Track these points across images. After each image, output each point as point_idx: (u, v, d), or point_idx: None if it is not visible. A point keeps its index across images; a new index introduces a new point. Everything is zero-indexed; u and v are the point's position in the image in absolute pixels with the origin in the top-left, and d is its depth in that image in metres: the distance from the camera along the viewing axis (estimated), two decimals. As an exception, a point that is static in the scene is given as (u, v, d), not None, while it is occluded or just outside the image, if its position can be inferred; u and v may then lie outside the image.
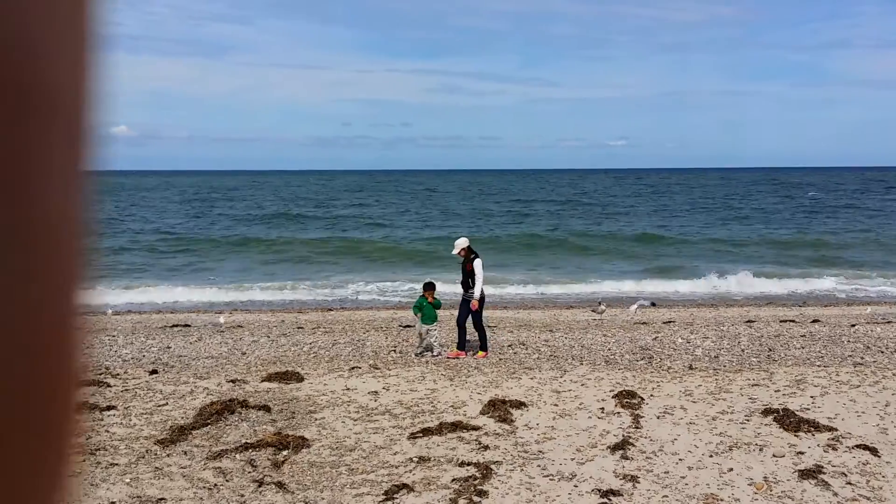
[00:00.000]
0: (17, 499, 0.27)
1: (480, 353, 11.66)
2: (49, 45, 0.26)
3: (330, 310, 20.14)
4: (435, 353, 12.01)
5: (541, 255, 34.50)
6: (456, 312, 12.26)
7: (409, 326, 14.55)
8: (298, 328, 15.20)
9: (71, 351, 0.29)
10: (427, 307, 12.01)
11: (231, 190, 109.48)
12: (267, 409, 8.57)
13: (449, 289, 17.37)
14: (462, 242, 11.86)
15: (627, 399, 8.90)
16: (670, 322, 15.73)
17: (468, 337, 12.11)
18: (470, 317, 11.76)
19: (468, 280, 11.66)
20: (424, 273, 25.46)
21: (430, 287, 12.16)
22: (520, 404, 8.66)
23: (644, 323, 15.55)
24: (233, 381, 10.03)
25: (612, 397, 9.02)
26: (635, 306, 16.17)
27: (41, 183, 0.27)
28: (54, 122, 0.27)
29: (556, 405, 8.85)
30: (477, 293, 11.51)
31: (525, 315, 17.67)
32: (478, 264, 11.66)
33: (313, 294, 24.82)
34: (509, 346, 12.91)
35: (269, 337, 13.91)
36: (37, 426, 0.27)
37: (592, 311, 16.59)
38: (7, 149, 0.25)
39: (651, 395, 9.15)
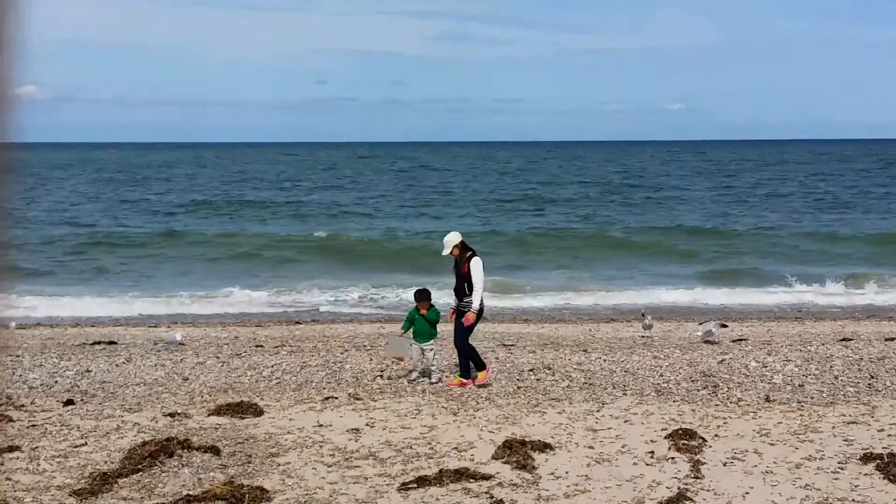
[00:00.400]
0: None
1: (481, 376, 11.53)
2: None
3: (297, 323, 19.92)
4: (433, 380, 11.89)
5: (570, 254, 34.24)
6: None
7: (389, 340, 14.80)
8: (257, 347, 15.07)
9: None
10: (419, 321, 11.88)
11: (166, 168, 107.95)
12: (215, 451, 8.47)
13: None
14: (453, 238, 11.68)
15: (685, 440, 8.77)
16: (741, 340, 15.62)
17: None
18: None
19: (463, 286, 11.52)
20: (417, 277, 25.11)
21: (423, 296, 12.03)
22: (544, 446, 8.52)
23: (708, 341, 15.46)
24: (171, 415, 9.95)
25: (665, 438, 8.90)
26: (705, 328, 15.83)
27: None
28: None
29: (591, 448, 8.73)
30: (475, 303, 11.37)
31: (551, 330, 17.52)
32: (476, 265, 11.48)
33: (276, 303, 24.63)
34: (531, 370, 12.77)
35: (218, 358, 13.83)
36: None
37: (641, 324, 16.51)
38: None
39: (715, 436, 9.04)
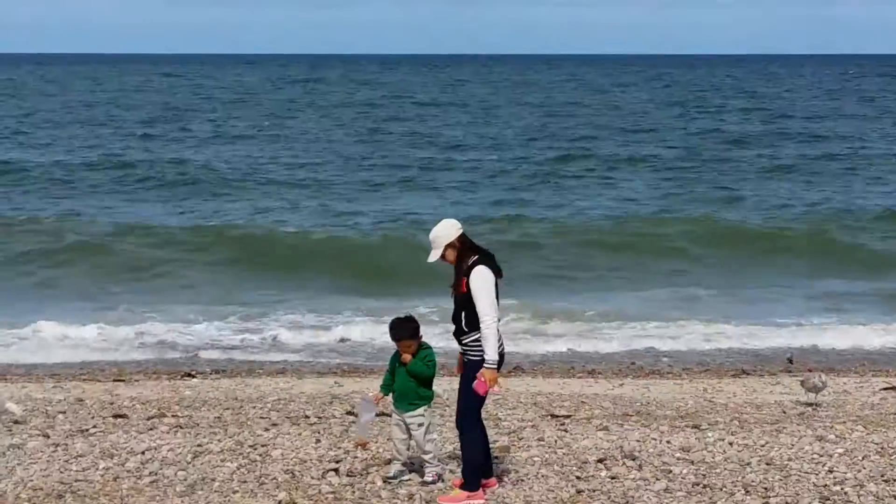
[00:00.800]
0: None
1: (455, 493, 7.80)
2: None
3: (190, 375, 14.39)
4: (428, 479, 8.12)
5: (666, 255, 24.02)
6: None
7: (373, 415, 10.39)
8: (116, 417, 10.99)
9: None
10: (400, 375, 8.19)
11: None
12: None
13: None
14: (444, 232, 7.69)
15: None
16: None
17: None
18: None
19: (461, 316, 7.69)
20: (392, 297, 18.07)
21: (403, 332, 8.15)
22: None
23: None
24: None
25: None
26: (809, 383, 11.55)
27: None
28: None
29: None
30: (489, 350, 7.47)
31: (636, 391, 13.05)
32: (478, 279, 7.48)
33: (147, 341, 16.62)
34: (600, 461, 9.01)
35: (47, 437, 9.97)
36: None
37: (804, 387, 11.97)
38: None
39: None
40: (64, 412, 11.02)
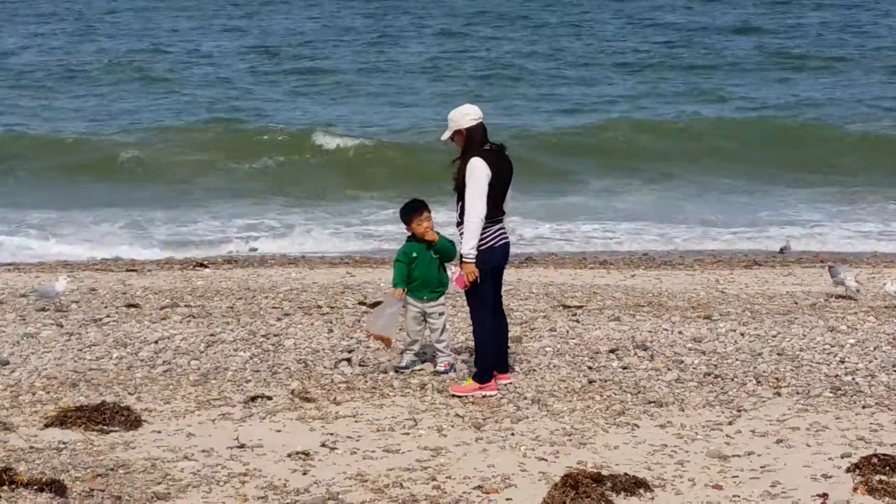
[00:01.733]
0: None
1: (468, 383, 7.36)
2: None
3: (202, 265, 13.48)
4: (441, 368, 7.66)
5: (672, 150, 22.21)
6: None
7: (375, 304, 10.08)
8: (129, 307, 10.50)
9: None
10: (422, 257, 7.58)
11: None
12: (59, 489, 5.82)
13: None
14: (456, 116, 7.07)
15: (883, 475, 6.10)
16: None
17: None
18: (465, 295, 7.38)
19: (459, 207, 7.22)
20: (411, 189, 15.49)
21: (415, 210, 7.59)
22: (635, 485, 5.89)
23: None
24: None
25: (849, 471, 6.16)
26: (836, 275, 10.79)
27: None
28: None
29: (718, 488, 5.98)
30: (466, 244, 6.93)
31: (647, 282, 12.32)
32: (472, 170, 6.87)
33: (162, 232, 15.87)
34: (612, 351, 8.68)
35: (61, 326, 9.51)
36: None
37: (835, 279, 10.99)
38: None
39: None
40: (77, 302, 10.65)
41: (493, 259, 7.00)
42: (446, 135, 7.08)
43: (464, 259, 6.90)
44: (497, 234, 6.95)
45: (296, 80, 31.36)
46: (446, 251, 7.51)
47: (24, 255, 14.49)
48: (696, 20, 45.52)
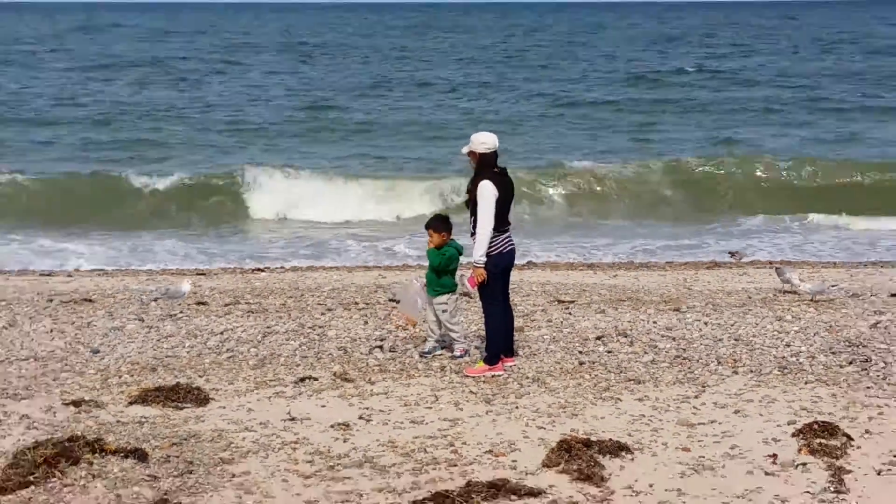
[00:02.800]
0: None
1: (479, 365, 7.50)
2: None
3: (260, 269, 13.82)
4: (458, 353, 7.79)
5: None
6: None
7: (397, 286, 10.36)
8: (198, 304, 10.54)
9: None
10: (428, 267, 7.88)
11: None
12: (141, 456, 6.03)
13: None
14: (475, 139, 7.32)
15: (822, 439, 6.36)
16: None
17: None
18: (478, 294, 7.53)
19: (471, 220, 7.43)
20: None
21: (430, 221, 7.85)
22: (618, 448, 6.11)
23: (855, 295, 11.01)
24: (76, 404, 6.93)
25: (793, 435, 6.41)
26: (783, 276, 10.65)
27: None
28: None
29: (686, 450, 6.17)
30: (477, 251, 7.17)
31: (629, 281, 12.51)
32: (483, 194, 7.13)
33: (221, 243, 16.02)
34: (598, 338, 8.70)
35: (142, 321, 9.55)
36: None
37: (781, 278, 11.03)
38: None
39: (866, 433, 6.43)
40: (156, 300, 10.62)
41: (502, 262, 7.18)
42: (465, 149, 7.26)
43: (474, 263, 7.08)
44: (504, 241, 7.11)
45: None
46: (429, 259, 7.68)
47: (109, 264, 14.36)
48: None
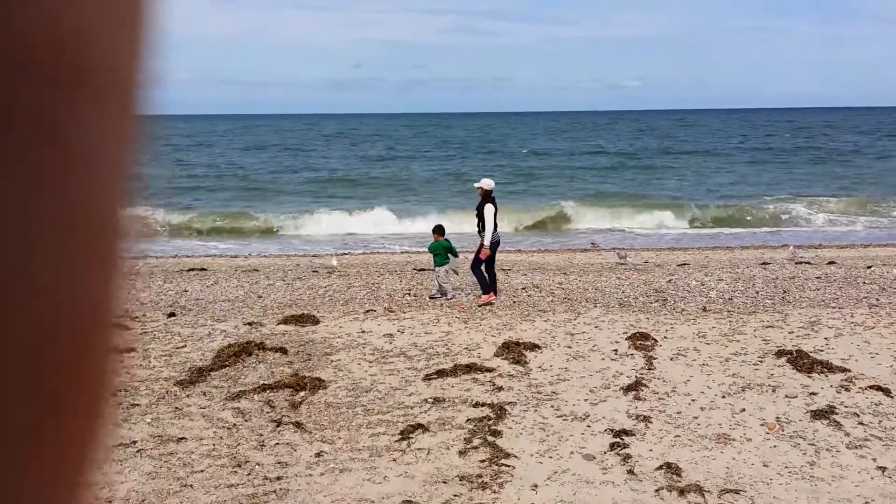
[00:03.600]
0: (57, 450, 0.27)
1: (482, 297, 11.25)
2: (103, 24, 0.26)
3: (344, 254, 19.43)
4: (449, 297, 11.78)
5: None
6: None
7: (423, 270, 14.28)
8: (314, 272, 14.94)
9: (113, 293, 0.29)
10: (434, 247, 11.73)
11: (216, 135, 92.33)
12: (284, 351, 8.48)
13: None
14: (484, 183, 11.37)
15: (641, 341, 8.80)
16: (685, 264, 15.45)
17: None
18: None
19: (479, 224, 11.31)
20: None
21: (436, 230, 11.86)
22: (534, 346, 8.56)
23: (658, 266, 15.40)
24: (250, 324, 9.88)
25: (626, 339, 8.91)
26: (623, 255, 15.74)
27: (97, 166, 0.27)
28: (111, 101, 0.27)
29: (569, 347, 8.76)
30: (486, 240, 11.10)
31: (539, 259, 17.30)
32: (488, 211, 11.15)
33: (329, 240, 23.88)
34: (523, 288, 12.71)
35: (284, 280, 13.71)
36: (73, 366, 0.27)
37: (619, 257, 15.98)
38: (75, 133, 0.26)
39: (665, 337, 9.01)
40: (292, 269, 14.76)
41: (496, 246, 11.18)
42: (476, 185, 11.36)
43: (484, 248, 11.01)
44: (498, 235, 11.19)
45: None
46: (430, 250, 11.59)
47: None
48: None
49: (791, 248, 16.13)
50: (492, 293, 11.28)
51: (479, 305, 11.04)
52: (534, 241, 23.33)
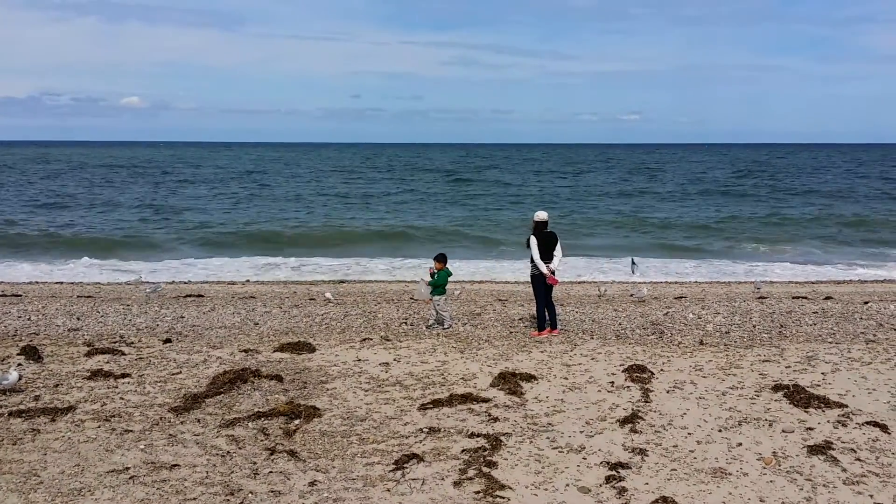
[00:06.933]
0: None
1: (554, 331, 10.81)
2: None
3: (342, 282, 19.09)
4: (446, 326, 11.56)
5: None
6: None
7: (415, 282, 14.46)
8: (311, 299, 14.58)
9: None
10: (434, 279, 11.51)
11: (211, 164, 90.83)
12: (279, 378, 8.36)
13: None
14: (538, 215, 10.96)
15: (637, 373, 8.65)
16: (681, 298, 15.21)
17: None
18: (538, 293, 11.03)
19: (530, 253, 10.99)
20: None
21: (438, 258, 11.69)
22: (530, 377, 8.43)
23: (656, 298, 15.18)
24: (245, 351, 9.77)
25: (622, 371, 8.78)
26: (638, 291, 15.39)
27: None
28: None
29: (566, 378, 8.63)
30: (543, 269, 10.67)
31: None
32: (531, 242, 10.81)
33: (326, 269, 23.68)
34: (520, 319, 12.43)
35: (281, 308, 13.38)
36: None
37: (599, 290, 16.00)
38: None
39: (661, 370, 8.88)
40: (288, 297, 14.35)
41: (534, 279, 10.70)
42: (534, 216, 10.80)
43: (547, 274, 10.49)
44: (546, 266, 10.61)
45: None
46: (442, 280, 11.28)
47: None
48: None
49: (756, 282, 15.97)
50: (548, 328, 10.85)
51: (533, 338, 10.73)
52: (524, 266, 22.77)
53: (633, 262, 18.36)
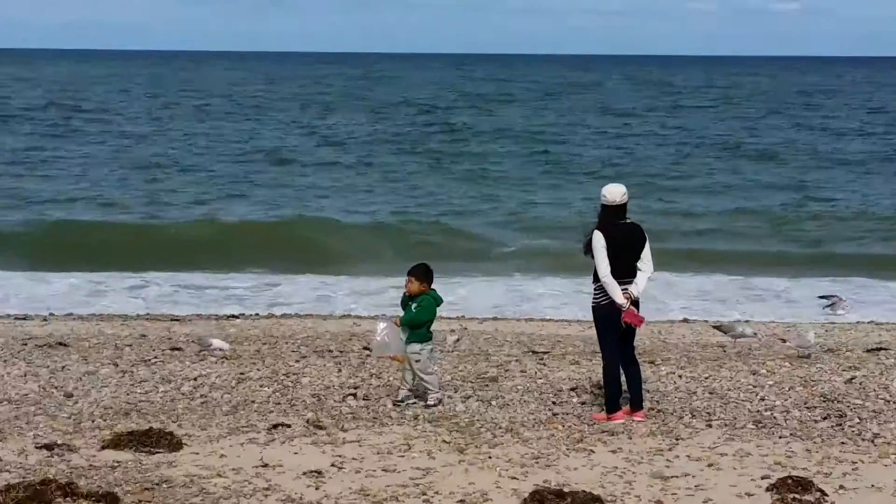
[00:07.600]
0: None
1: (636, 414, 7.84)
2: None
3: (234, 317, 13.84)
4: (431, 402, 7.77)
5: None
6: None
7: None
8: (173, 350, 10.64)
9: None
10: (410, 311, 7.79)
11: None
12: (113, 500, 6.07)
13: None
14: (609, 191, 7.36)
15: (796, 494, 6.27)
16: (879, 350, 11.03)
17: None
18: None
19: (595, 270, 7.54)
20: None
21: (416, 273, 7.86)
22: (592, 500, 6.02)
23: (830, 351, 10.99)
24: (49, 448, 7.03)
25: (768, 490, 6.37)
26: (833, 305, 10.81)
27: None
28: None
29: (659, 503, 6.15)
30: (617, 299, 7.30)
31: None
32: (594, 241, 7.24)
33: (199, 293, 16.11)
34: (572, 389, 8.79)
35: (116, 365, 9.60)
36: None
37: (725, 332, 11.36)
38: None
39: (841, 488, 6.41)
40: (130, 345, 10.78)
41: (597, 311, 7.40)
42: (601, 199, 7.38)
43: (622, 308, 7.16)
44: (608, 292, 7.24)
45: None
46: (412, 318, 7.67)
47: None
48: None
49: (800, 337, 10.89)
50: (626, 407, 7.78)
51: (596, 422, 7.77)
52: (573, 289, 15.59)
53: (831, 297, 13.36)
